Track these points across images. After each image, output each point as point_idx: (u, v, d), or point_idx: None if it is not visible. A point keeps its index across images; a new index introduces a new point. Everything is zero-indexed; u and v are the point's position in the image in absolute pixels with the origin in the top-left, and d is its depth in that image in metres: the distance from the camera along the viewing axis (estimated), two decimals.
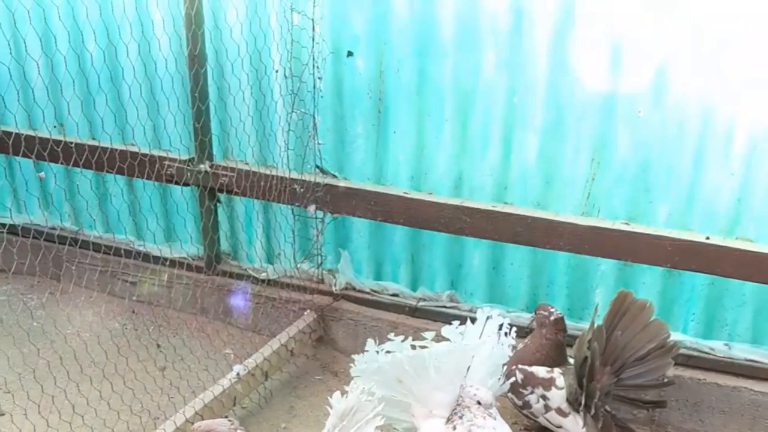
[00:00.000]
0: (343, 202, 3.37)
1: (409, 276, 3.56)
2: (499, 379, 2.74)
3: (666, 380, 2.81)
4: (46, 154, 2.73)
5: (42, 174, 4.08)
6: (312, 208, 3.44)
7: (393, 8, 3.13)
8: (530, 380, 2.80)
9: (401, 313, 3.52)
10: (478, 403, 2.50)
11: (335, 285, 3.65)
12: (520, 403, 2.85)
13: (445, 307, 3.47)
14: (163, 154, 3.54)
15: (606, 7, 2.82)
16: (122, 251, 3.49)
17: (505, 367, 2.80)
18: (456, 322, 2.68)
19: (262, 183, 3.37)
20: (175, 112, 3.50)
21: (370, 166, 3.41)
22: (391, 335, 2.64)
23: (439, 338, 2.61)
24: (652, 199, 3.01)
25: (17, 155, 3.24)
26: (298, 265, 3.67)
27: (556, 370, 2.81)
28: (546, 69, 2.98)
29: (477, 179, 3.24)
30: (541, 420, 2.83)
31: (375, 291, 3.61)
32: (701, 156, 2.88)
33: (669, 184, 2.97)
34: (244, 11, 3.31)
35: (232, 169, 3.44)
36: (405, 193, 3.30)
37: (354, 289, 3.65)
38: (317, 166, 3.46)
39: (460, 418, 2.51)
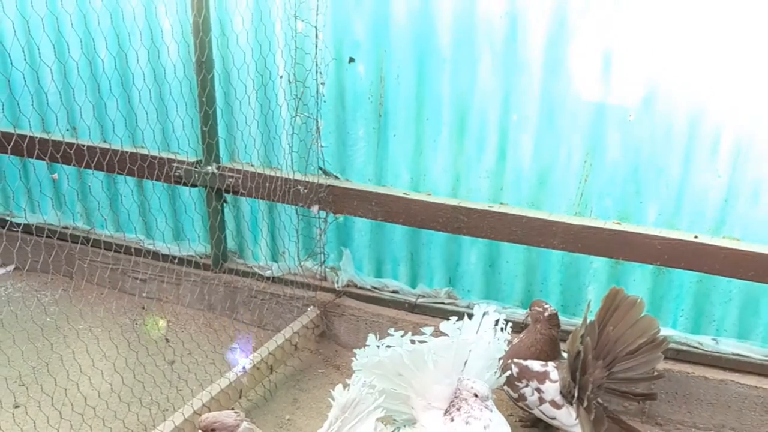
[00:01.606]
0: (345, 202, 3.37)
1: (408, 273, 3.56)
2: (495, 372, 2.74)
3: (656, 374, 2.81)
4: (59, 156, 2.74)
5: (55, 175, 4.07)
6: (315, 208, 3.44)
7: (392, 16, 3.12)
8: (525, 374, 2.80)
9: (401, 309, 3.52)
10: (475, 395, 2.50)
11: (337, 282, 3.65)
12: (515, 395, 2.84)
13: (443, 303, 3.46)
14: (172, 157, 3.54)
15: (598, 17, 2.82)
16: (132, 250, 3.48)
17: (501, 361, 2.80)
18: (454, 318, 2.69)
19: (267, 184, 3.37)
20: (183, 116, 3.50)
21: (371, 167, 3.41)
22: (391, 330, 2.64)
23: (438, 333, 2.61)
24: (643, 200, 3.01)
25: (31, 157, 3.22)
26: (302, 263, 3.67)
27: (550, 364, 2.80)
28: (540, 73, 2.97)
29: (474, 180, 3.24)
30: (536, 412, 2.82)
31: (376, 288, 3.61)
32: (689, 158, 2.88)
33: (658, 186, 2.96)
34: (249, 19, 3.31)
35: (239, 171, 3.44)
36: (404, 193, 3.29)
37: (355, 286, 3.64)
38: (320, 168, 3.46)
39: (458, 410, 2.51)
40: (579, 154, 3.03)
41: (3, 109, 3.53)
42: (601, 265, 3.17)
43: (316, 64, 3.28)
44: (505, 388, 2.85)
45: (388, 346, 2.59)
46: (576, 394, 2.64)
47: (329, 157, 3.45)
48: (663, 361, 2.75)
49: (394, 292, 3.57)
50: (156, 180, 3.54)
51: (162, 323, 3.66)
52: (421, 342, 2.56)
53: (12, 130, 2.97)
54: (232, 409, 2.65)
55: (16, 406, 3.02)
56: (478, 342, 2.64)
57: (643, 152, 2.94)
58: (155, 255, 3.56)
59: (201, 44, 3.22)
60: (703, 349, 3.09)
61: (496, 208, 3.15)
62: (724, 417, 3.04)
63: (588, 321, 2.64)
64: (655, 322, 2.66)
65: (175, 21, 3.40)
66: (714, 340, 3.09)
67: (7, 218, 4.16)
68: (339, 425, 2.26)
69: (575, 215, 3.10)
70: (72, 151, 2.75)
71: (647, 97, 2.86)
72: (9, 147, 2.55)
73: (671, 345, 2.99)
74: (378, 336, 2.66)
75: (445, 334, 2.60)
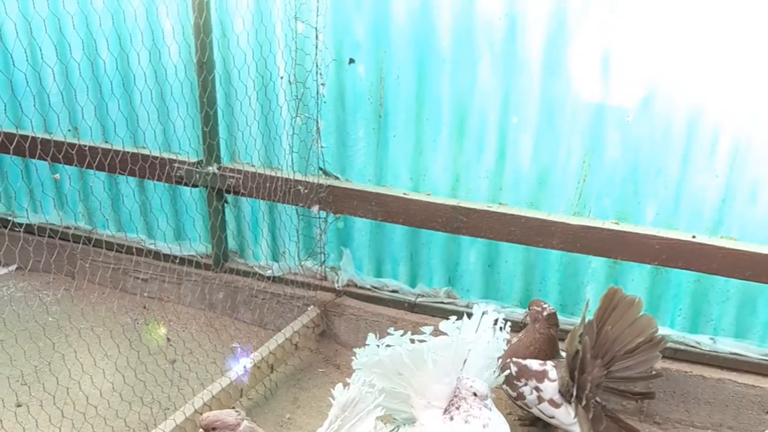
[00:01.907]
0: (345, 202, 3.37)
1: (408, 273, 3.56)
2: (494, 371, 2.74)
3: (654, 373, 2.81)
4: (60, 156, 2.72)
5: (57, 175, 4.07)
6: (315, 208, 3.44)
7: (393, 17, 3.12)
8: (524, 373, 2.80)
9: (401, 308, 3.52)
10: (474, 394, 2.50)
11: (338, 282, 3.65)
12: (514, 394, 2.84)
13: (442, 303, 3.46)
14: (173, 157, 3.54)
15: (597, 18, 2.82)
16: (134, 249, 3.49)
17: (500, 360, 2.80)
18: (453, 317, 2.68)
19: (268, 184, 3.37)
20: (185, 116, 3.51)
21: (371, 168, 3.41)
22: (391, 330, 2.64)
23: (437, 333, 2.61)
24: (641, 200, 3.01)
25: (33, 158, 3.24)
26: (302, 263, 3.67)
27: (549, 363, 2.80)
28: (540, 74, 2.97)
29: (473, 181, 3.24)
30: (535, 411, 2.82)
31: (375, 287, 3.61)
32: (688, 159, 2.88)
33: (657, 186, 2.96)
34: (250, 20, 3.31)
35: (239, 171, 3.44)
36: (404, 193, 3.29)
37: (355, 285, 3.64)
38: (320, 168, 3.46)
39: (457, 408, 2.51)
40: (578, 154, 3.03)
41: (5, 109, 3.54)
42: (600, 265, 3.17)
43: (317, 65, 3.28)
44: (504, 387, 2.85)
45: (388, 346, 2.59)
46: (574, 393, 2.64)
47: (329, 157, 3.45)
48: (661, 360, 2.76)
49: (393, 291, 3.57)
50: (157, 180, 3.54)
51: (162, 331, 3.65)
52: (421, 341, 2.56)
53: (14, 131, 2.97)
54: (233, 407, 2.65)
55: (19, 405, 3.03)
56: (477, 341, 2.64)
57: (641, 152, 2.94)
58: (156, 255, 3.56)
59: (202, 45, 3.22)
60: (700, 349, 3.09)
61: (495, 208, 3.15)
62: (721, 416, 3.04)
63: (586, 320, 2.64)
64: (653, 322, 2.66)
65: (176, 22, 3.40)
66: (712, 339, 3.09)
67: (10, 218, 4.16)
68: (339, 424, 2.27)
69: (574, 215, 3.10)
70: (74, 152, 2.75)
71: (646, 98, 2.86)
72: (11, 147, 2.54)
73: (669, 344, 2.98)
74: (378, 335, 2.66)
75: (445, 334, 2.59)
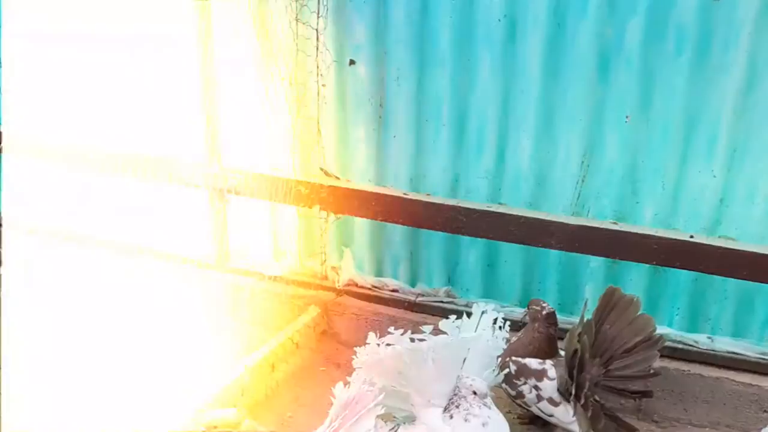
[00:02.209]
0: (346, 202, 3.37)
1: (408, 273, 3.56)
2: (494, 370, 2.74)
3: (652, 371, 2.80)
4: None
5: None
6: (316, 208, 3.44)
7: (393, 19, 3.13)
8: (523, 371, 2.80)
9: (401, 307, 3.52)
10: (474, 393, 2.50)
11: (338, 281, 3.65)
12: (513, 393, 2.84)
13: (442, 302, 3.46)
14: (175, 157, 3.54)
15: (595, 18, 2.82)
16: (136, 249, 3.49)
17: (500, 359, 2.79)
18: (453, 317, 2.67)
19: (269, 185, 3.37)
20: (187, 117, 3.50)
21: (371, 168, 3.41)
22: (391, 329, 2.63)
23: (437, 332, 2.61)
24: (639, 200, 3.01)
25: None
26: (303, 263, 3.67)
27: (548, 362, 2.80)
28: (539, 75, 2.97)
29: (473, 181, 3.24)
30: (534, 409, 2.82)
31: (376, 287, 3.60)
32: (686, 159, 2.88)
33: (655, 186, 2.97)
34: (251, 21, 3.31)
35: (241, 172, 3.44)
36: (404, 194, 3.30)
37: (356, 285, 3.64)
38: (321, 169, 3.46)
39: (457, 407, 2.51)
40: (577, 154, 3.03)
41: None
42: (598, 265, 3.17)
43: (317, 67, 3.29)
44: (504, 385, 2.85)
45: (389, 345, 2.59)
46: (573, 392, 2.64)
47: (330, 158, 3.45)
48: (659, 359, 2.75)
49: (394, 291, 3.57)
50: (159, 180, 3.54)
51: None
52: (421, 340, 2.56)
53: None
54: (235, 406, 2.65)
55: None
56: (477, 340, 2.63)
57: (639, 153, 2.94)
58: (158, 255, 3.56)
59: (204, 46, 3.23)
60: (698, 348, 3.09)
61: (495, 208, 3.15)
62: (719, 414, 3.04)
63: (585, 319, 2.64)
64: (651, 321, 2.66)
65: (178, 23, 3.41)
66: (709, 338, 3.09)
67: None
68: (340, 422, 2.27)
69: (573, 215, 3.10)
70: None
71: (644, 99, 2.86)
72: None
73: (667, 343, 2.99)
74: (378, 334, 2.66)
75: (445, 333, 2.59)
